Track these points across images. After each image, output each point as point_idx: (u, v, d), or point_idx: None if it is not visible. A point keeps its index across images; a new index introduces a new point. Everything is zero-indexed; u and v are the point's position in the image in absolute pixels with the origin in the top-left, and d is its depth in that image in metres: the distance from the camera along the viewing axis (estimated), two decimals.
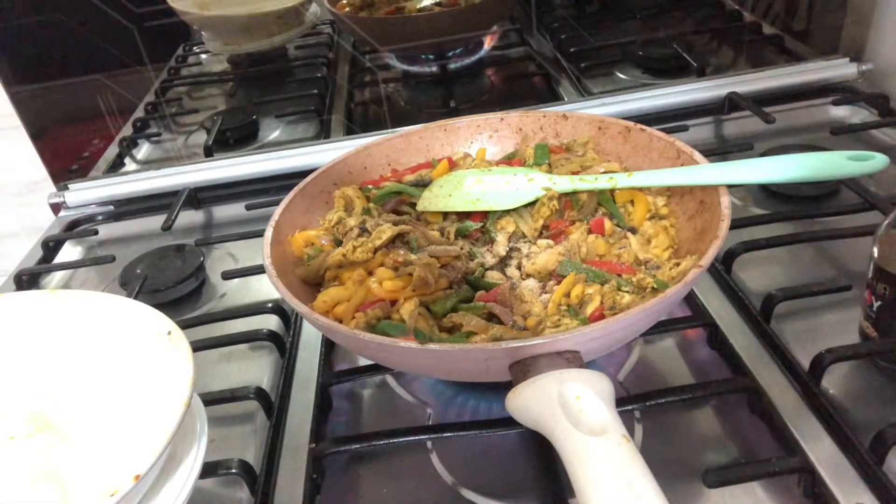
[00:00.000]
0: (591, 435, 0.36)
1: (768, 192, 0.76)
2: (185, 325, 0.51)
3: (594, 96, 0.96)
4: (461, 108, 0.99)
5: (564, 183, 0.60)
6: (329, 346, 0.63)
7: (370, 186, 0.66)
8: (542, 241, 0.58)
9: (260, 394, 0.58)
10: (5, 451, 0.45)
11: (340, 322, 0.51)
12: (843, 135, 0.83)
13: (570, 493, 0.45)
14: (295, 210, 0.62)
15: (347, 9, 1.11)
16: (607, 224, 0.58)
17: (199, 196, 0.92)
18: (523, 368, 0.42)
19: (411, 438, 0.53)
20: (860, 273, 0.55)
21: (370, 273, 0.55)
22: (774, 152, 0.77)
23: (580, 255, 0.56)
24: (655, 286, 0.51)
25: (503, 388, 0.43)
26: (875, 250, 0.51)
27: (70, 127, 1.10)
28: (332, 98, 1.11)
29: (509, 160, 0.68)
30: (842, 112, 0.90)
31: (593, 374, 0.40)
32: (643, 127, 0.64)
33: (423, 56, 1.09)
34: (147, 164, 1.03)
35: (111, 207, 0.95)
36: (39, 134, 1.00)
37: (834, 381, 0.53)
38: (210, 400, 0.55)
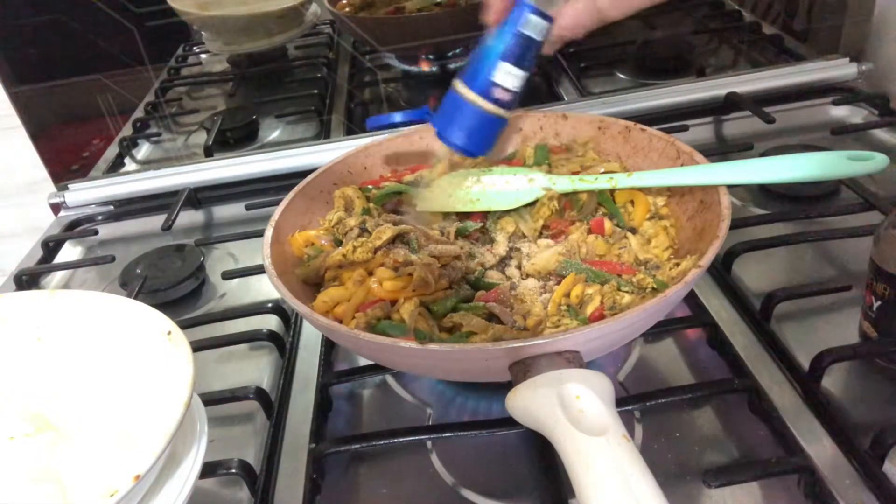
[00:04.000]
0: (591, 435, 0.36)
1: (768, 192, 0.76)
2: (185, 325, 0.51)
3: (594, 96, 0.96)
4: None
5: (564, 183, 0.60)
6: (329, 346, 0.63)
7: (370, 186, 0.66)
8: (542, 241, 0.58)
9: (260, 394, 0.58)
10: (5, 451, 0.45)
11: (340, 322, 0.51)
12: (843, 135, 0.83)
13: (570, 493, 0.45)
14: (295, 210, 0.62)
15: (347, 9, 1.11)
16: (607, 224, 0.58)
17: (199, 196, 0.92)
18: (523, 368, 0.42)
19: (411, 438, 0.53)
20: (860, 273, 0.55)
21: (370, 273, 0.55)
22: (774, 152, 0.77)
23: (580, 255, 0.56)
24: (655, 286, 0.51)
25: (503, 388, 0.43)
26: (875, 250, 0.51)
27: (70, 127, 1.10)
28: (332, 98, 1.11)
29: (509, 160, 0.68)
30: (842, 112, 0.90)
31: (593, 374, 0.40)
32: (643, 127, 0.64)
33: (423, 56, 1.09)
34: (147, 164, 1.03)
35: (111, 207, 0.95)
36: (39, 134, 1.00)
37: (834, 381, 0.53)
38: (210, 400, 0.55)
